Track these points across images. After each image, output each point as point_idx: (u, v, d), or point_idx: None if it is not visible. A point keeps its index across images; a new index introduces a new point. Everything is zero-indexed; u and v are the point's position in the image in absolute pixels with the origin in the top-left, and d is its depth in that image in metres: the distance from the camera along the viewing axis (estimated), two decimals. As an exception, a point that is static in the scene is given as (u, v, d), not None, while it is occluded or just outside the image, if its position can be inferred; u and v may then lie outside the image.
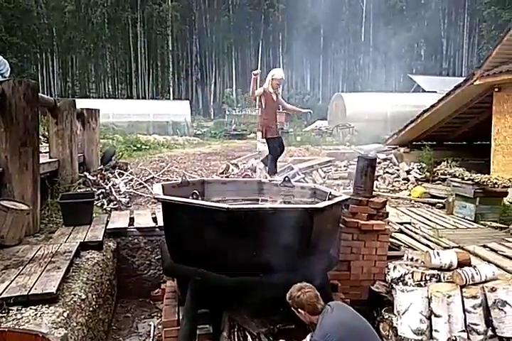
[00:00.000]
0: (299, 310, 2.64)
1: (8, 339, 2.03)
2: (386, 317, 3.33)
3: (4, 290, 2.65)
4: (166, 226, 3.28)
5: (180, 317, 3.19)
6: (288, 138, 14.84)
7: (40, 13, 33.64)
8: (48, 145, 6.06)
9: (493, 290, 3.01)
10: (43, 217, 4.73)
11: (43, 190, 4.68)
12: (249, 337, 3.07)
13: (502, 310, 2.96)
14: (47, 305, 2.60)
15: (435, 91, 18.28)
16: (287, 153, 11.14)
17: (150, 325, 3.93)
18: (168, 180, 7.19)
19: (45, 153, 6.04)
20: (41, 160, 4.80)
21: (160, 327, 3.70)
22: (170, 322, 3.21)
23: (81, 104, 9.07)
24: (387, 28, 35.23)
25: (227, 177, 7.63)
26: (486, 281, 3.12)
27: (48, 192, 5.09)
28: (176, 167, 8.71)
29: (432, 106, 8.84)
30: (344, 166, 9.40)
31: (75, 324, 2.65)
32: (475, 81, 7.68)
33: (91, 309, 3.09)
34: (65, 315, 2.57)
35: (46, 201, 4.97)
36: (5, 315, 2.46)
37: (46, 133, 7.06)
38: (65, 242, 3.79)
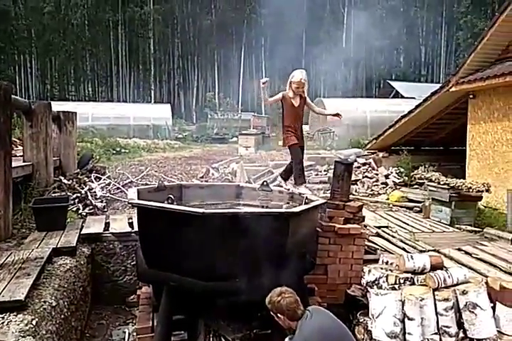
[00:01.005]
0: (278, 315, 2.62)
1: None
2: (361, 320, 3.35)
3: (-30, 298, 2.56)
4: (140, 231, 3.23)
5: (155, 324, 3.14)
6: (270, 142, 14.92)
7: (18, 14, 33.02)
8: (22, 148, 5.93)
9: (464, 293, 3.07)
10: (15, 222, 4.61)
11: (16, 194, 4.57)
12: (224, 342, 3.05)
13: (473, 312, 3.01)
14: (15, 313, 2.53)
15: (413, 98, 18.65)
16: (268, 156, 11.22)
17: (124, 332, 3.86)
18: (146, 184, 7.11)
19: (20, 156, 5.91)
20: (15, 164, 4.69)
21: (135, 334, 3.63)
22: (144, 328, 3.16)
23: (60, 106, 8.96)
24: (368, 35, 35.81)
25: (206, 181, 7.59)
26: (457, 284, 3.18)
27: (21, 196, 4.97)
28: (156, 171, 8.64)
29: (410, 111, 9.00)
30: (324, 170, 9.48)
31: (44, 332, 2.58)
32: (451, 88, 7.86)
33: (62, 316, 3.01)
34: (34, 322, 2.50)
35: (19, 206, 4.85)
36: (-30, 323, 2.38)
37: (21, 136, 6.91)
38: (37, 248, 3.70)
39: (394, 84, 26.11)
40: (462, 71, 7.65)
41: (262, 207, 4.11)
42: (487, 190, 6.19)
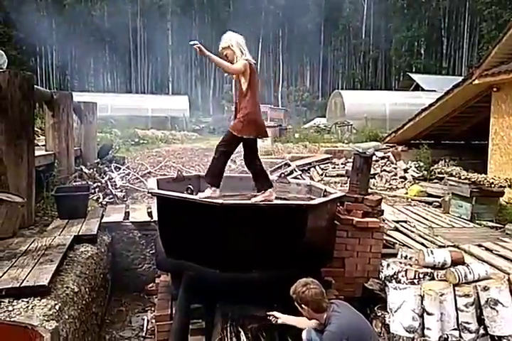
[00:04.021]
0: (303, 305, 2.60)
1: (-3, 331, 2.02)
2: (379, 314, 3.34)
3: (-4, 282, 2.64)
4: (159, 220, 3.27)
5: (173, 312, 3.19)
6: (286, 134, 14.84)
7: (39, 5, 33.38)
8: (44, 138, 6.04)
9: (485, 289, 3.02)
10: (38, 209, 4.72)
11: (38, 182, 4.67)
12: (241, 331, 3.07)
13: (494, 309, 2.97)
14: (39, 298, 2.59)
15: (434, 90, 18.25)
16: (285, 149, 11.13)
17: (143, 319, 3.93)
18: (164, 174, 7.17)
19: (42, 146, 6.03)
20: (37, 153, 4.79)
21: (153, 321, 3.70)
22: (163, 316, 3.22)
23: (80, 97, 9.04)
24: (388, 26, 35.20)
25: (224, 172, 7.60)
26: (478, 280, 3.13)
27: (43, 185, 5.08)
28: (174, 162, 8.68)
29: (431, 105, 8.82)
30: (342, 164, 9.40)
31: (66, 317, 2.64)
32: (474, 80, 7.66)
33: (84, 302, 3.08)
34: (57, 307, 2.56)
35: (42, 194, 4.96)
36: (-4, 307, 2.45)
37: (43, 126, 7.03)
38: (59, 235, 3.78)
39: (414, 76, 25.50)
40: (486, 63, 7.43)
41: (280, 199, 4.11)
42: (510, 186, 6.05)
